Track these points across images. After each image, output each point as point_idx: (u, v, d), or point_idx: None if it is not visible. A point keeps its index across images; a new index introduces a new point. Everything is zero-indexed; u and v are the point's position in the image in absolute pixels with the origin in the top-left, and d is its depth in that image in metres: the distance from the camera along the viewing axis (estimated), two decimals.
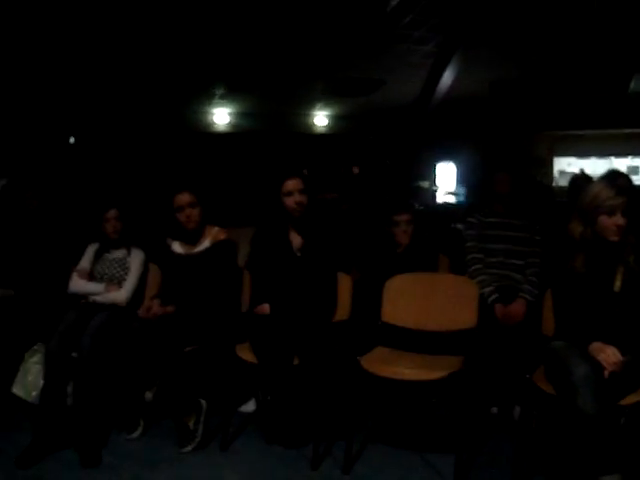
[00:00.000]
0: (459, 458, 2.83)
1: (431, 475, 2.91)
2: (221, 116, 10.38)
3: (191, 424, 3.19)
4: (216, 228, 3.58)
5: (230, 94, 9.23)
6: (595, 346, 2.53)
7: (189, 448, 3.13)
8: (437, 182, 10.41)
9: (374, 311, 3.31)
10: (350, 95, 9.37)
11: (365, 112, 10.55)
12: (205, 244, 3.52)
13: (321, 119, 10.86)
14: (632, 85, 8.32)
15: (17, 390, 3.51)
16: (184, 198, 3.45)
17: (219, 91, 9.00)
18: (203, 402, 3.27)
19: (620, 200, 2.62)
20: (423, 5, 6.35)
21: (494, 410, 3.47)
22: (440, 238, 4.06)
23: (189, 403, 3.24)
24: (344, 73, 8.40)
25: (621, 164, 10.31)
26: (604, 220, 2.63)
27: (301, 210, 3.33)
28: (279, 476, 2.91)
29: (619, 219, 2.61)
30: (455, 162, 10.33)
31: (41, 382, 3.45)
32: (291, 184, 3.33)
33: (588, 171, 7.83)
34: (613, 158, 10.73)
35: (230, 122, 10.48)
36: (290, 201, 3.32)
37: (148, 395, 3.49)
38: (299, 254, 3.38)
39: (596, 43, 6.89)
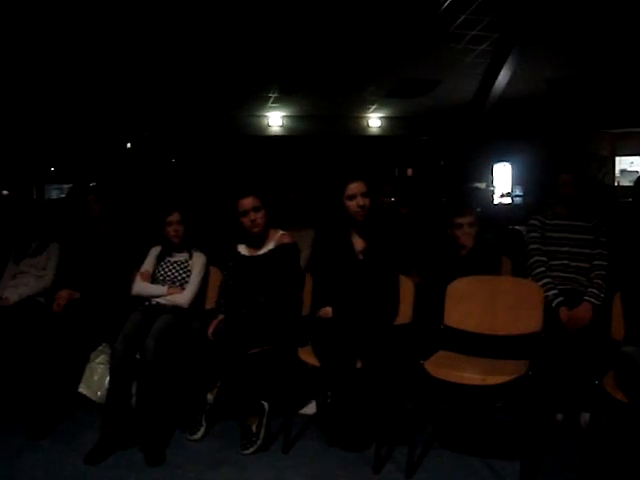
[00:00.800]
0: (524, 465, 2.77)
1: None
2: (275, 119, 10.45)
3: (254, 426, 3.21)
4: (280, 231, 3.60)
5: (284, 97, 9.28)
6: None
7: (251, 450, 3.16)
8: (494, 183, 10.24)
9: (436, 315, 3.28)
10: (405, 96, 9.32)
11: (419, 113, 10.48)
12: (269, 247, 3.54)
13: (375, 121, 10.83)
14: None
15: (83, 390, 3.60)
16: (248, 202, 3.47)
17: (273, 94, 9.06)
18: (266, 404, 3.30)
19: None
20: (477, 4, 6.28)
21: (559, 417, 3.38)
22: (502, 240, 3.99)
23: (252, 405, 3.27)
24: (399, 74, 8.36)
25: None
26: None
27: (364, 213, 3.31)
28: (341, 479, 2.91)
29: None
30: (511, 162, 10.14)
31: (106, 382, 3.53)
32: (354, 187, 3.30)
33: None
34: None
35: (283, 125, 10.54)
36: (353, 204, 3.30)
37: (209, 397, 3.54)
38: (361, 257, 3.37)
39: None
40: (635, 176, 6.08)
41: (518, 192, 9.60)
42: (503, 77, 8.17)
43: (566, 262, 3.57)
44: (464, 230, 3.74)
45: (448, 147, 10.40)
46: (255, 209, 3.47)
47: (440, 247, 3.85)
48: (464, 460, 3.05)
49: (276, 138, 10.53)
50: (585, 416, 3.26)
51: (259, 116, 10.41)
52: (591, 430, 2.99)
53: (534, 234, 3.71)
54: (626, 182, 9.42)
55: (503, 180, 10.25)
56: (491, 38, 7.29)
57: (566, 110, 9.45)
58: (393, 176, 9.78)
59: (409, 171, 10.36)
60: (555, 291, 3.45)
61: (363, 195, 3.29)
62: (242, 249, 3.60)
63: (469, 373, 2.85)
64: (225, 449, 3.21)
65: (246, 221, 3.48)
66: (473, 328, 3.22)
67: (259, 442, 3.18)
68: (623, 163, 10.80)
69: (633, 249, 2.73)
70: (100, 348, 3.73)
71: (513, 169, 10.13)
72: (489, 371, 2.87)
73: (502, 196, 9.80)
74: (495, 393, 3.55)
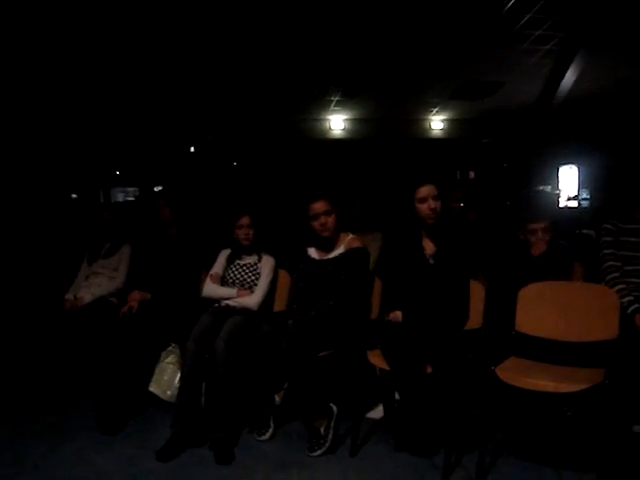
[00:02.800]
0: (601, 478, 2.70)
1: None
2: (337, 122, 10.48)
3: (322, 429, 3.23)
4: (350, 235, 3.62)
5: (346, 100, 9.30)
6: None
7: (319, 452, 3.18)
8: (559, 186, 10.01)
9: (507, 320, 3.23)
10: (468, 98, 9.22)
11: (482, 115, 10.35)
12: (339, 250, 3.56)
13: (437, 123, 10.74)
14: None
15: (153, 388, 3.68)
16: (320, 206, 3.49)
17: (335, 97, 9.09)
18: (334, 407, 3.31)
19: None
20: (542, 3, 6.16)
21: (637, 429, 3.28)
22: (574, 245, 3.89)
23: (321, 408, 3.29)
24: (462, 76, 8.28)
25: None
26: None
27: (435, 216, 3.29)
28: None
29: None
30: (578, 165, 9.89)
31: (175, 382, 3.61)
32: (425, 190, 3.27)
33: None
34: None
35: (345, 128, 10.55)
36: (424, 207, 3.28)
37: (277, 398, 3.57)
38: (432, 261, 3.35)
39: None
40: None
41: (585, 195, 9.36)
42: (569, 77, 7.99)
43: None
44: (538, 236, 3.67)
45: (511, 150, 10.22)
46: (326, 213, 3.49)
47: (510, 252, 3.79)
48: (535, 469, 2.99)
49: (338, 141, 10.55)
50: None
51: (321, 119, 10.45)
52: None
53: (608, 238, 3.59)
54: None
55: (569, 183, 10.00)
56: (557, 37, 7.14)
57: (635, 110, 9.16)
58: (457, 180, 9.68)
59: (471, 174, 10.24)
60: (630, 297, 3.34)
61: (434, 198, 3.26)
62: (312, 252, 3.63)
63: (543, 380, 2.79)
64: (293, 451, 3.24)
65: (317, 225, 3.50)
66: (545, 334, 3.16)
67: (327, 444, 3.20)
68: None
69: None
70: (170, 348, 3.81)
71: (580, 172, 9.88)
72: (563, 378, 2.81)
73: (568, 199, 9.56)
74: (568, 401, 3.48)
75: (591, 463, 2.92)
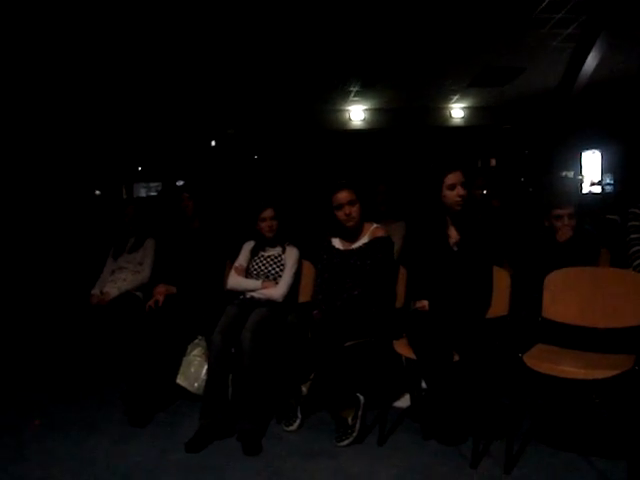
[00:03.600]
0: (632, 466, 2.68)
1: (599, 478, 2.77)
2: (357, 113, 10.45)
3: (349, 419, 3.24)
4: (374, 225, 3.61)
5: (365, 90, 9.26)
6: None
7: (347, 442, 3.19)
8: (582, 172, 9.89)
9: (534, 307, 3.21)
10: (488, 85, 9.13)
11: (502, 102, 10.25)
12: (363, 240, 3.55)
13: (457, 111, 10.66)
14: None
15: (181, 381, 3.73)
16: (344, 196, 3.49)
17: (354, 88, 9.05)
18: (361, 397, 3.32)
19: None
20: None
21: None
22: (600, 230, 3.85)
23: (348, 398, 3.30)
24: (482, 63, 8.19)
25: None
26: None
27: (462, 203, 3.28)
28: (438, 473, 2.89)
29: None
30: (601, 150, 9.75)
31: (202, 374, 3.65)
32: (454, 177, 3.26)
33: None
34: None
35: (365, 119, 10.52)
36: (453, 194, 3.27)
37: (303, 389, 3.58)
38: (456, 249, 3.34)
39: None
40: None
41: (608, 180, 9.24)
42: (591, 61, 7.86)
43: None
44: (564, 222, 3.64)
45: (533, 136, 10.11)
46: (350, 203, 3.48)
47: (536, 238, 3.76)
48: (564, 456, 2.98)
49: (358, 132, 10.52)
50: None
51: (341, 110, 10.42)
52: None
53: (634, 223, 3.55)
54: None
55: (592, 168, 9.87)
56: (578, 20, 7.03)
57: None
58: (478, 167, 9.61)
59: (492, 161, 10.16)
60: None
61: (462, 185, 3.26)
62: (336, 243, 3.63)
63: (572, 367, 2.77)
64: (321, 441, 3.26)
65: (341, 215, 3.50)
66: (573, 321, 3.13)
67: (355, 434, 3.21)
68: None
69: None
70: (196, 341, 3.85)
71: (603, 157, 9.74)
72: (591, 365, 2.79)
73: (592, 185, 9.44)
74: (596, 388, 3.45)
75: (621, 451, 2.90)
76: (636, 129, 8.73)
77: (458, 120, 10.72)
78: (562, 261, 3.33)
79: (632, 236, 3.53)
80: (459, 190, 3.26)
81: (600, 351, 2.99)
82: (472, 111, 10.75)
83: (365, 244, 3.52)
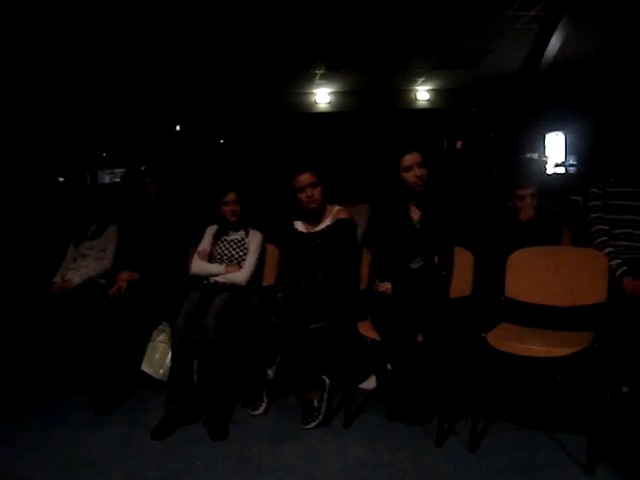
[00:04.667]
0: (592, 439, 2.71)
1: (561, 455, 2.81)
2: (322, 96, 10.39)
3: (315, 401, 3.24)
4: (336, 207, 3.60)
5: (330, 73, 9.22)
6: None
7: (313, 425, 3.19)
8: (546, 153, 9.99)
9: (497, 287, 3.23)
10: (454, 67, 9.14)
11: (468, 84, 10.28)
12: (326, 223, 3.54)
13: (423, 94, 10.67)
14: None
15: (145, 368, 3.69)
16: (306, 178, 3.47)
17: (319, 71, 9.00)
18: (327, 379, 3.32)
19: None
20: None
21: (625, 389, 3.31)
22: (562, 210, 3.89)
23: (313, 380, 3.29)
24: (446, 45, 8.20)
25: None
26: None
27: (422, 184, 3.29)
28: (404, 452, 2.90)
29: None
30: (564, 132, 9.86)
31: (167, 360, 3.61)
32: (410, 158, 3.28)
33: None
34: None
35: (331, 101, 10.47)
36: (410, 175, 3.29)
37: (269, 372, 3.58)
38: (419, 227, 3.36)
39: None
40: None
41: (572, 162, 9.35)
42: (554, 43, 7.92)
43: (630, 230, 3.46)
44: (526, 202, 3.66)
45: (498, 118, 10.17)
46: (312, 185, 3.47)
47: (499, 218, 3.78)
48: (528, 433, 3.02)
49: (324, 115, 10.48)
50: None
51: (306, 93, 10.36)
52: None
53: (595, 202, 3.60)
54: None
55: (556, 150, 9.98)
56: (542, 2, 7.07)
57: (620, 75, 9.12)
58: (443, 149, 9.62)
59: (458, 143, 10.19)
60: (618, 260, 3.35)
61: (419, 165, 3.27)
62: (299, 226, 3.61)
63: (534, 345, 2.79)
64: (287, 424, 3.25)
65: (303, 197, 3.48)
66: (535, 300, 3.17)
67: (321, 417, 3.21)
68: None
69: None
70: (160, 327, 3.81)
71: (567, 138, 9.85)
72: (554, 343, 2.82)
73: (556, 166, 9.54)
74: (558, 365, 3.50)
75: (583, 425, 2.94)
76: (598, 110, 8.84)
77: (424, 102, 10.74)
78: (524, 241, 3.36)
79: (593, 215, 3.57)
80: (416, 171, 3.27)
81: (562, 329, 3.02)
82: (438, 93, 10.76)
83: (328, 226, 3.51)
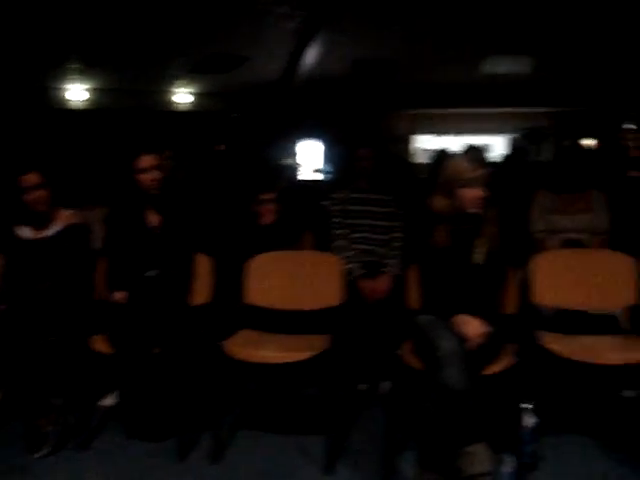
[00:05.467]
0: (330, 438, 2.79)
1: (302, 456, 2.85)
2: (77, 92, 9.74)
3: (45, 426, 2.92)
4: (68, 211, 3.35)
5: (86, 69, 8.68)
6: (459, 319, 2.57)
7: (44, 452, 2.88)
8: (300, 159, 10.38)
9: (236, 292, 3.19)
10: (213, 72, 9.08)
11: (230, 90, 10.29)
12: (56, 228, 3.28)
13: (184, 96, 10.47)
14: (485, 67, 8.64)
15: None
16: (31, 179, 3.18)
17: (74, 66, 8.43)
18: (56, 400, 3.02)
19: (479, 173, 2.68)
20: None
21: (363, 387, 3.45)
22: (306, 215, 3.97)
23: (40, 403, 2.97)
24: (205, 49, 8.12)
25: (475, 142, 10.68)
26: (464, 193, 2.67)
27: (157, 187, 3.17)
28: (145, 471, 2.75)
29: (478, 191, 2.67)
30: (322, 140, 10.32)
31: None
32: (146, 161, 3.16)
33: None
34: (468, 136, 11.20)
35: (89, 99, 9.86)
36: (146, 178, 3.16)
37: None
38: (158, 232, 3.23)
39: (451, 26, 7.02)
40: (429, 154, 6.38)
41: (326, 169, 9.81)
42: (311, 56, 8.21)
43: (367, 235, 3.64)
44: (267, 206, 3.68)
45: (259, 124, 10.31)
46: (38, 186, 3.18)
47: (239, 223, 3.75)
48: (272, 439, 3.02)
49: (77, 112, 9.82)
50: (385, 385, 3.36)
51: (60, 89, 9.65)
52: (391, 398, 3.07)
53: (336, 207, 3.74)
54: (422, 159, 10.02)
55: (314, 156, 10.41)
56: (300, 16, 7.27)
57: (369, 90, 9.78)
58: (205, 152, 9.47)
59: (221, 147, 10.13)
60: (356, 264, 3.50)
61: (155, 168, 3.17)
62: (25, 232, 3.26)
63: (270, 351, 2.80)
64: (15, 454, 2.88)
65: (28, 199, 3.17)
66: (275, 304, 3.18)
67: (52, 443, 2.90)
68: (420, 141, 11.54)
69: (427, 221, 2.82)
70: None
71: (325, 146, 10.32)
72: (290, 348, 2.84)
73: (315, 172, 9.96)
74: (300, 369, 3.53)
75: (324, 425, 2.98)
76: (349, 122, 9.38)
77: (185, 105, 10.56)
78: (265, 245, 3.36)
79: (334, 220, 3.70)
80: (153, 174, 3.16)
81: (303, 333, 3.05)
82: (200, 97, 10.63)
83: (58, 232, 3.25)
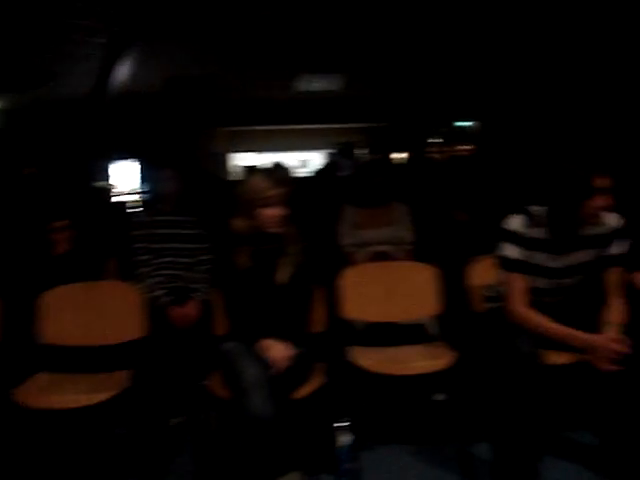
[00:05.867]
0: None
1: None
2: None
3: None
4: None
5: None
6: (264, 344, 2.49)
7: None
8: (114, 181, 9.93)
9: (28, 332, 2.86)
10: (17, 88, 8.42)
11: (39, 106, 9.58)
12: None
13: None
14: (299, 85, 8.79)
15: None
16: None
17: None
18: None
19: (277, 191, 2.62)
20: None
21: (174, 421, 3.22)
22: (110, 241, 3.70)
23: None
24: (10, 63, 7.49)
25: (292, 158, 10.87)
26: (263, 212, 2.61)
27: None
28: None
29: (277, 210, 2.62)
30: (139, 160, 9.92)
31: None
32: None
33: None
34: (288, 153, 11.38)
35: None
36: None
37: None
38: None
39: (266, 44, 7.05)
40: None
41: (145, 189, 9.45)
42: (122, 72, 7.89)
43: (172, 259, 3.45)
44: (60, 234, 3.38)
45: (70, 144, 9.68)
46: None
47: (30, 254, 3.41)
48: None
49: None
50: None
51: None
52: (201, 431, 2.90)
53: (139, 232, 3.51)
54: (238, 177, 10.04)
55: (130, 177, 9.97)
56: (109, 30, 6.93)
57: (184, 108, 9.62)
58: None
59: (27, 170, 9.36)
60: (162, 291, 3.30)
61: None
62: None
63: (66, 395, 2.54)
64: None
65: None
66: (72, 341, 2.90)
67: None
68: (237, 159, 11.62)
69: (228, 243, 2.71)
70: None
71: (142, 166, 9.91)
72: (89, 389, 2.59)
73: (130, 194, 9.53)
74: (103, 410, 3.23)
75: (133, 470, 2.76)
76: (165, 139, 9.14)
77: None
78: (59, 277, 3.08)
79: (137, 245, 3.47)
80: None
81: (107, 370, 2.80)
82: (5, 114, 9.80)
83: None
